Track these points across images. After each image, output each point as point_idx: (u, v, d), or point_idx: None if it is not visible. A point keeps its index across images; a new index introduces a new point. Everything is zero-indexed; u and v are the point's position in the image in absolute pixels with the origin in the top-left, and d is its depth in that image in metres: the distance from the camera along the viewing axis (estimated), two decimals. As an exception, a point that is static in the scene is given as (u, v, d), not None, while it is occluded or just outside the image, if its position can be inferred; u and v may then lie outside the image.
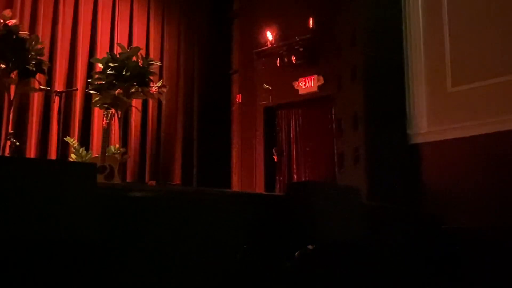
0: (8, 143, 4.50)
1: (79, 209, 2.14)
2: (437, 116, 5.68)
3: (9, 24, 4.47)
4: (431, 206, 5.22)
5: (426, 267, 4.37)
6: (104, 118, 4.66)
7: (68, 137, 5.03)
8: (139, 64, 4.93)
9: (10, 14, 4.56)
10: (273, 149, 6.21)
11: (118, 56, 4.95)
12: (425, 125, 5.77)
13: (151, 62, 5.09)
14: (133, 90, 4.93)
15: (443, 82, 5.66)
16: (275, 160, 6.30)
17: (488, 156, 5.13)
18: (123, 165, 5.55)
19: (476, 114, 5.31)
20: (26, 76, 4.61)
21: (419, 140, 5.79)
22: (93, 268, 2.31)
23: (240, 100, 7.57)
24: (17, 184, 2.10)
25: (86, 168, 2.24)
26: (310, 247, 2.96)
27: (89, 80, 5.66)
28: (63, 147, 6.00)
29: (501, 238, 4.63)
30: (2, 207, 2.04)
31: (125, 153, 5.16)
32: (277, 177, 6.66)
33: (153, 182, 6.13)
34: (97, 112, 6.58)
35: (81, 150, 4.68)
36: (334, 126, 6.26)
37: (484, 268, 4.59)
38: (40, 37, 4.99)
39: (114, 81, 4.80)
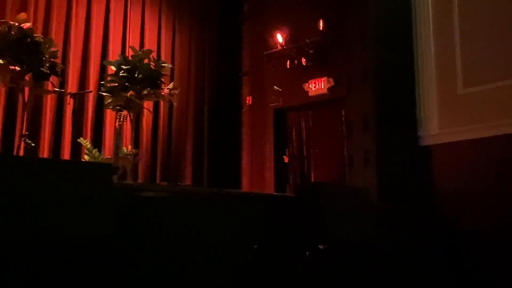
0: (23, 144, 4.58)
1: (96, 209, 2.19)
2: (448, 118, 5.67)
3: (24, 28, 4.55)
4: (442, 208, 5.22)
5: (437, 269, 4.38)
6: (117, 119, 4.72)
7: (81, 138, 5.10)
8: (151, 66, 5.00)
9: (25, 17, 4.65)
10: (286, 151, 6.21)
11: (130, 58, 5.02)
12: (436, 127, 5.76)
13: (163, 65, 5.16)
14: (145, 92, 4.99)
15: (454, 83, 5.65)
16: (286, 161, 6.31)
17: (500, 158, 5.12)
18: (134, 166, 5.60)
19: (487, 116, 5.29)
20: (40, 78, 4.68)
21: (429, 142, 5.78)
22: (108, 266, 2.36)
23: (250, 102, 7.61)
24: (34, 184, 2.15)
25: (103, 169, 2.29)
26: (320, 247, 2.99)
27: (101, 82, 5.74)
28: (76, 148, 6.10)
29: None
30: (20, 207, 2.10)
31: (137, 154, 5.22)
32: (287, 179, 6.68)
33: (165, 183, 6.19)
34: (109, 113, 6.66)
35: (94, 151, 4.74)
36: (344, 128, 6.27)
37: (496, 271, 4.58)
38: (53, 39, 5.07)
39: (126, 83, 4.87)
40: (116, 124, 4.70)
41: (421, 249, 4.19)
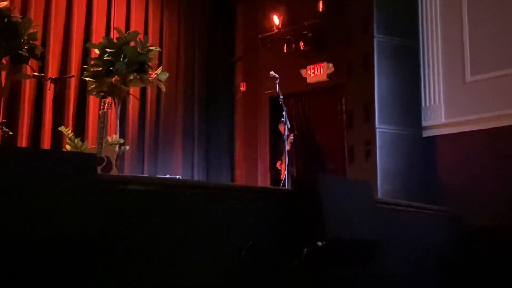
0: (0, 132, 4.54)
1: (79, 202, 2.17)
2: (454, 107, 5.68)
3: (0, 7, 4.50)
4: (447, 202, 5.24)
5: (442, 265, 4.41)
6: (101, 107, 4.70)
7: (62, 126, 5.06)
8: (138, 49, 4.96)
9: (2, -4, 4.59)
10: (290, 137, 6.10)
11: (115, 41, 4.98)
12: (442, 116, 5.77)
13: (150, 48, 5.12)
14: (131, 77, 4.96)
15: (461, 70, 5.66)
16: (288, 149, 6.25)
17: (508, 150, 5.13)
18: (120, 156, 5.58)
19: (496, 105, 5.30)
20: (18, 62, 4.65)
21: (434, 132, 5.79)
22: (93, 263, 2.35)
23: (244, 89, 7.58)
24: (11, 176, 2.13)
25: (86, 159, 2.26)
26: (319, 244, 2.99)
27: (84, 66, 5.69)
28: (57, 137, 6.06)
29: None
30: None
31: (123, 144, 5.19)
32: (284, 171, 6.65)
33: (152, 175, 6.18)
34: (92, 100, 6.62)
35: (76, 140, 4.71)
36: (344, 117, 6.27)
37: (502, 266, 4.60)
38: (32, 20, 5.02)
39: (111, 68, 4.84)
40: (100, 112, 4.68)
41: (425, 245, 4.21)
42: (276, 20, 6.95)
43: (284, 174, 6.42)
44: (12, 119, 6.04)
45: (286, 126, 5.62)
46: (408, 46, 5.95)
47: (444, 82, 5.80)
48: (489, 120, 5.31)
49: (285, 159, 6.33)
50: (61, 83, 5.82)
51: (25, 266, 2.18)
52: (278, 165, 6.49)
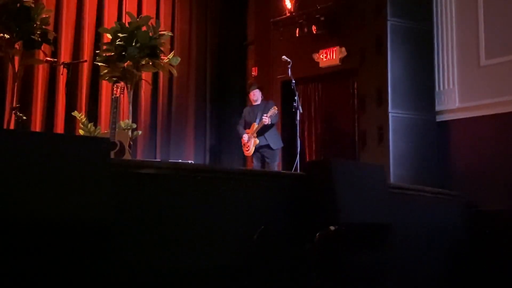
0: (13, 117, 4.57)
1: (92, 187, 2.17)
2: (468, 91, 5.61)
3: (13, -8, 4.50)
4: (460, 187, 5.20)
5: (454, 250, 4.39)
6: (113, 92, 4.71)
7: (75, 111, 5.09)
8: (150, 34, 4.95)
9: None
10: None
11: (127, 25, 4.97)
12: (456, 101, 5.71)
13: (162, 32, 5.10)
14: (143, 62, 4.96)
15: (476, 54, 5.58)
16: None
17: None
18: (132, 141, 5.60)
19: (511, 89, 5.23)
20: (31, 47, 4.66)
21: (448, 117, 5.74)
22: (105, 248, 2.36)
23: (256, 73, 7.54)
24: (25, 160, 2.13)
25: (99, 144, 2.25)
26: (331, 228, 2.98)
27: (96, 51, 5.70)
28: (70, 122, 6.09)
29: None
30: (9, 184, 2.08)
31: (135, 129, 5.21)
32: (252, 147, 6.55)
33: (165, 160, 6.19)
34: (105, 85, 6.63)
35: (89, 125, 4.73)
36: (356, 101, 6.22)
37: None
38: (45, 5, 5.02)
39: (123, 53, 4.84)
40: (113, 97, 4.68)
41: (439, 230, 4.19)
42: (288, 3, 6.88)
43: (251, 150, 5.98)
44: (25, 104, 6.07)
45: (298, 110, 5.59)
46: (422, 30, 5.87)
47: (458, 66, 5.73)
48: (504, 105, 5.24)
49: (253, 135, 6.02)
50: (73, 68, 5.83)
51: (37, 249, 2.19)
52: (245, 139, 5.99)
